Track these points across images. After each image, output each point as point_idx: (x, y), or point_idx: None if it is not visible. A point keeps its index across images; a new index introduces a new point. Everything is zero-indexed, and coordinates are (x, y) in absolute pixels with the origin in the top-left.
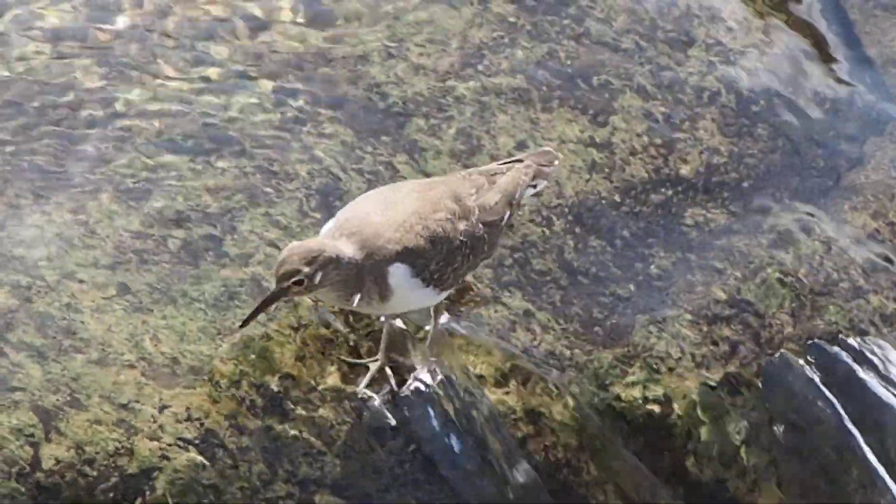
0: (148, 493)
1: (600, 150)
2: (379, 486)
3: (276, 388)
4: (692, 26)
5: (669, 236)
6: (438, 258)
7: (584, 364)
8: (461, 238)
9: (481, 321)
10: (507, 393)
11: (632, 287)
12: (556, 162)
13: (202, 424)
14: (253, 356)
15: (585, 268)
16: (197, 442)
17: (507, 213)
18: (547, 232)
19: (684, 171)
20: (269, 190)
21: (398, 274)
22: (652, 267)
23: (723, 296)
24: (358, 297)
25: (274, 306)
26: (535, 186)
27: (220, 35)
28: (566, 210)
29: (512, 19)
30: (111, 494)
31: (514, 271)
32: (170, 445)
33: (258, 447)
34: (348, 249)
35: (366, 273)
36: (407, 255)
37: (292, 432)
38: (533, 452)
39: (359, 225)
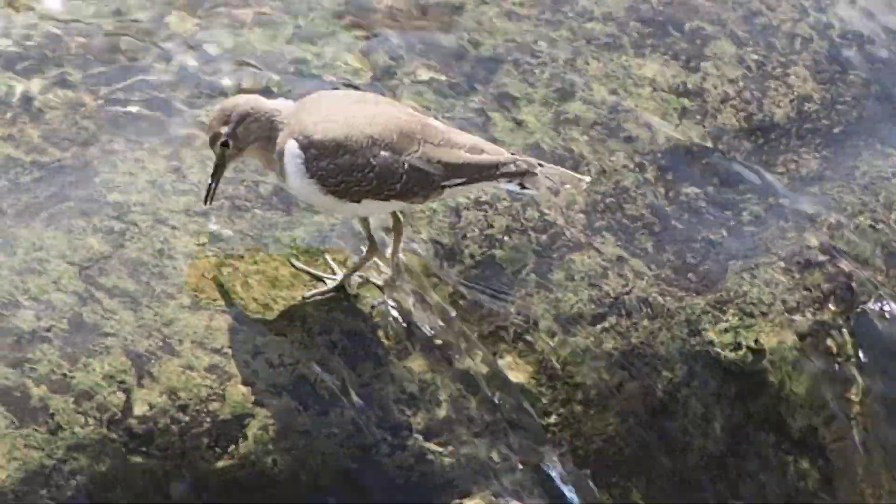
0: (240, 438)
1: (692, 97)
2: (471, 432)
3: (368, 334)
4: None
5: (762, 183)
6: (333, 159)
7: (676, 310)
8: (371, 160)
9: (573, 267)
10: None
11: (724, 233)
12: (568, 187)
13: (294, 370)
14: (346, 302)
15: (678, 214)
16: (289, 387)
17: (456, 180)
18: (640, 178)
19: (776, 117)
20: None
21: (289, 150)
22: (744, 213)
23: (815, 242)
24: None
25: (225, 172)
26: (522, 187)
27: None
28: (659, 156)
29: None
30: (204, 440)
31: (606, 217)
32: (262, 391)
33: (350, 393)
34: (273, 106)
35: (274, 138)
36: (304, 138)
37: (384, 378)
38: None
39: (307, 100)
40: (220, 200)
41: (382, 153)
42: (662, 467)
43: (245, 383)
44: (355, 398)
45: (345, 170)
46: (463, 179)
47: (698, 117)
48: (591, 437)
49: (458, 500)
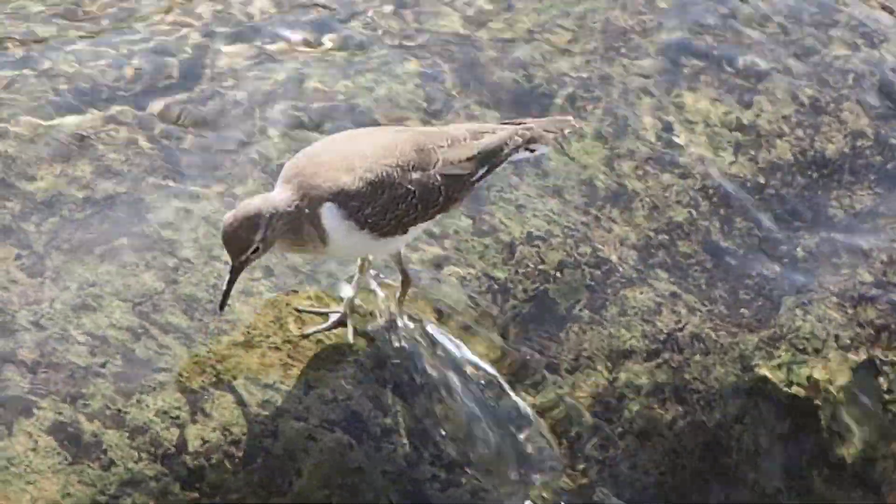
0: (293, 474)
1: (745, 132)
2: (524, 468)
3: (419, 370)
4: (836, 8)
5: (815, 218)
6: (376, 202)
7: (730, 346)
8: (409, 186)
9: (626, 303)
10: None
11: (777, 268)
12: (568, 130)
13: (347, 406)
14: (396, 340)
15: (731, 249)
16: (342, 423)
17: (481, 171)
18: (693, 213)
19: (829, 152)
20: None
21: (329, 214)
22: (797, 249)
23: (869, 278)
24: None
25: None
26: (531, 150)
27: (366, 13)
28: (711, 192)
29: (658, 1)
30: (257, 476)
31: (660, 253)
32: (315, 427)
33: (403, 428)
34: (285, 196)
35: (304, 217)
36: (339, 196)
37: (436, 414)
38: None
39: (302, 167)
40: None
41: (414, 175)
42: (718, 501)
43: (298, 419)
44: (408, 434)
45: (389, 207)
46: (486, 168)
47: (752, 152)
48: (647, 471)
49: None
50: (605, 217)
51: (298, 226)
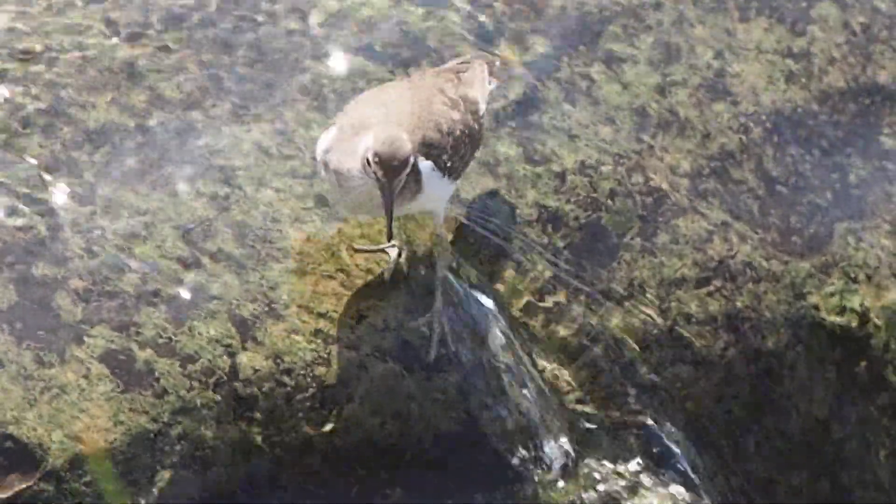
0: (345, 402)
1: (797, 60)
2: (575, 396)
3: (473, 299)
4: None
5: (867, 145)
6: (449, 147)
7: (782, 274)
8: (461, 129)
9: (678, 231)
10: None
11: (829, 196)
12: (498, 63)
13: (399, 335)
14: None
15: (783, 177)
16: (394, 352)
17: (484, 104)
18: (745, 140)
19: (882, 79)
20: None
21: (426, 167)
22: (850, 176)
23: None
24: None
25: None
26: (491, 84)
27: None
28: (763, 119)
29: None
30: (308, 404)
31: (711, 180)
32: (367, 356)
33: (454, 358)
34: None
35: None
36: (431, 150)
37: (488, 343)
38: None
39: (376, 125)
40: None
41: (455, 115)
42: (768, 429)
43: (350, 347)
44: (460, 364)
45: (458, 150)
46: (487, 99)
47: (804, 80)
48: (698, 399)
49: (566, 463)
50: (658, 145)
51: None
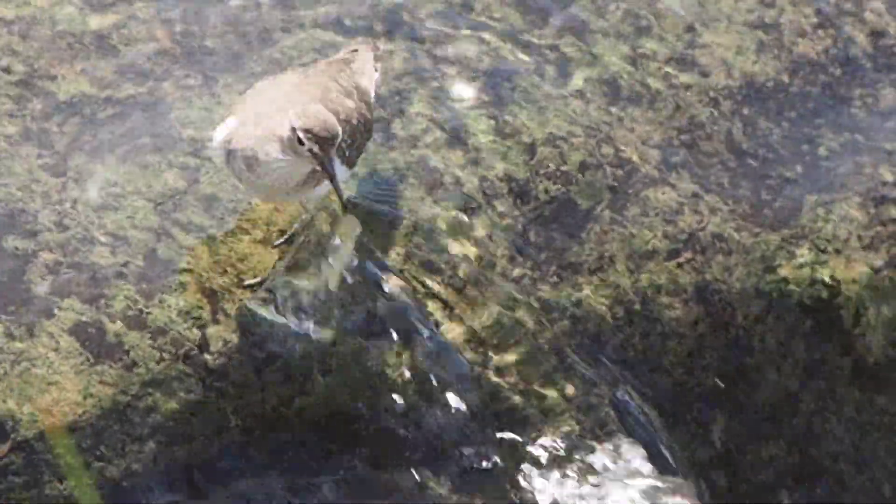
0: (316, 375)
1: (768, 31)
2: (546, 368)
3: (443, 270)
4: None
5: (838, 117)
6: (348, 136)
7: (752, 246)
8: (356, 116)
9: (648, 203)
10: None
11: (799, 168)
12: (381, 48)
13: (366, 307)
14: (418, 238)
15: (753, 149)
16: (361, 325)
17: (373, 93)
18: (715, 113)
19: (853, 51)
20: (436, 73)
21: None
22: (820, 148)
23: (890, 177)
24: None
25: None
26: (377, 70)
27: None
28: (734, 91)
29: None
30: (280, 375)
31: (681, 152)
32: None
33: (424, 328)
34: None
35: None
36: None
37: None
38: None
39: (290, 108)
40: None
41: (350, 104)
42: (739, 401)
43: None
44: (429, 333)
45: (355, 139)
46: (374, 86)
47: (775, 51)
48: (669, 371)
49: (533, 435)
50: (628, 117)
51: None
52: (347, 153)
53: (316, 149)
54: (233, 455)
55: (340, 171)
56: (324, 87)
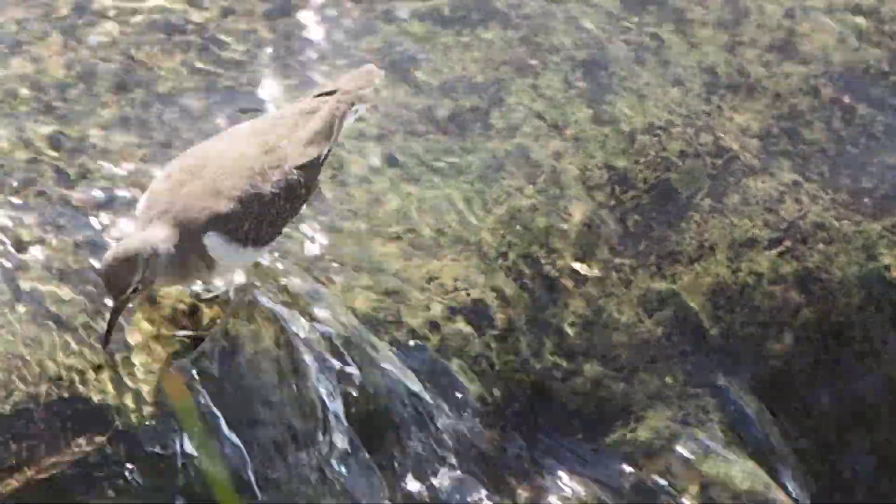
0: None
1: (868, 18)
2: (647, 357)
3: (543, 260)
4: None
5: None
6: (251, 217)
7: (853, 235)
8: (273, 191)
9: (748, 192)
10: None
11: None
12: (377, 80)
13: (469, 294)
14: (519, 227)
15: (854, 137)
16: (464, 312)
17: (326, 148)
18: (815, 101)
19: None
20: (534, 62)
21: (215, 244)
22: None
23: None
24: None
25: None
26: (356, 112)
27: None
28: (834, 78)
29: None
30: None
31: (782, 141)
32: (438, 315)
33: (525, 318)
34: (162, 234)
35: (188, 251)
36: (218, 223)
37: (559, 303)
38: None
39: (169, 200)
40: (394, 125)
41: (274, 177)
42: (839, 391)
43: (421, 308)
44: (529, 323)
45: (263, 216)
46: (329, 145)
47: (875, 39)
48: (769, 361)
49: (633, 425)
50: (727, 106)
51: (184, 261)
52: (252, 233)
53: (108, 293)
54: None
55: (238, 254)
56: (241, 159)
